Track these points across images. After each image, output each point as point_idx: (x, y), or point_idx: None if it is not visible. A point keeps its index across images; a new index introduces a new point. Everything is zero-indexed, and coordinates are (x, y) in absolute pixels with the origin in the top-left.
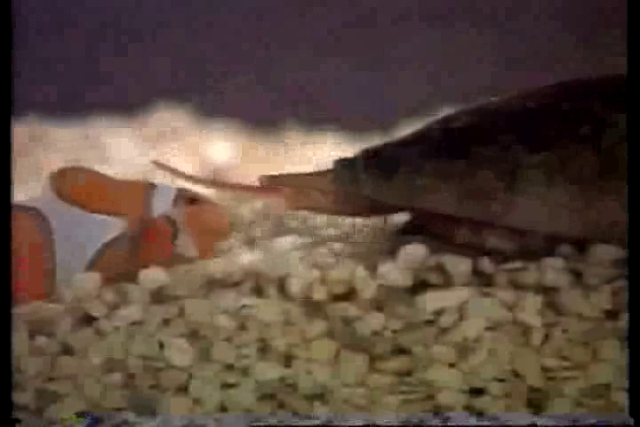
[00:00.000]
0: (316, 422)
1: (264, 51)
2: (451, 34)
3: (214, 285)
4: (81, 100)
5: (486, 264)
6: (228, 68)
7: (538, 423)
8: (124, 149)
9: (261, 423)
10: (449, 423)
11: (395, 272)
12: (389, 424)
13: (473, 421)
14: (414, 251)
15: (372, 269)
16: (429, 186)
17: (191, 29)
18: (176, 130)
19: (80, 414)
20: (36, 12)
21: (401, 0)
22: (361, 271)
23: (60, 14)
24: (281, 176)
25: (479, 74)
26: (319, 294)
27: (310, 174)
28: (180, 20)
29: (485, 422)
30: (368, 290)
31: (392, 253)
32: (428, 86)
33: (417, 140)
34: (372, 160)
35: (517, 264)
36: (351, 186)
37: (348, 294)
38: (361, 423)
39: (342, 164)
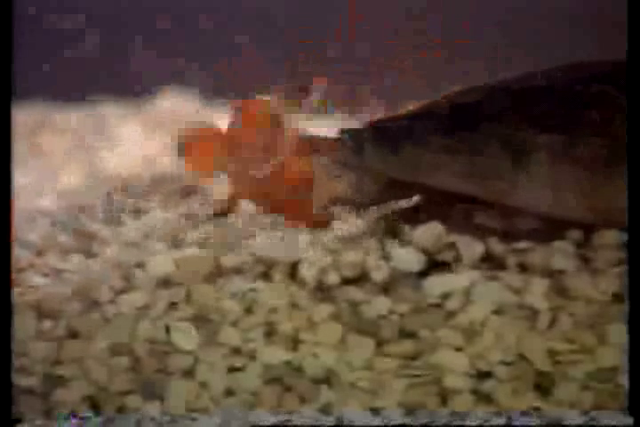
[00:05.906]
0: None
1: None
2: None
3: (221, 271)
4: (86, 84)
5: (495, 244)
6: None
7: (542, 423)
8: (131, 133)
9: (261, 423)
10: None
11: (407, 255)
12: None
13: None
14: (429, 230)
15: (382, 250)
16: (435, 161)
17: (197, 12)
18: (183, 112)
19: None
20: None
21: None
22: (372, 254)
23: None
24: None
25: (474, 73)
26: (332, 278)
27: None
28: (185, 5)
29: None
30: (379, 273)
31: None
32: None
33: (425, 114)
34: (379, 132)
35: (525, 244)
36: (356, 156)
37: (359, 278)
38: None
39: (349, 133)
